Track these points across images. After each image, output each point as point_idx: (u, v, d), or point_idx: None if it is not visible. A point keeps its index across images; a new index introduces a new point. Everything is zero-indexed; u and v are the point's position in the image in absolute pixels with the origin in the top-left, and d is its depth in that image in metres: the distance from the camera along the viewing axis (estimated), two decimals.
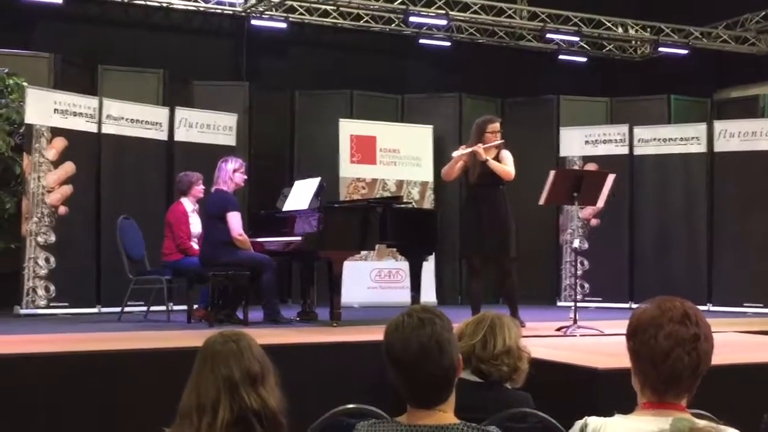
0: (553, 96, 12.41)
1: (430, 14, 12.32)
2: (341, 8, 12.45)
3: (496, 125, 7.72)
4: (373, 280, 11.49)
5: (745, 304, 10.49)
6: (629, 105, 12.49)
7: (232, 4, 12.16)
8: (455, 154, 7.77)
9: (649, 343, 2.29)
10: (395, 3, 12.14)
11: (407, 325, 2.41)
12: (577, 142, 11.74)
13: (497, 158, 7.64)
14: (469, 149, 7.61)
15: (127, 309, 8.60)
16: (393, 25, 12.91)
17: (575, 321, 7.18)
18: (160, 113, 10.43)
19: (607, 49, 14.10)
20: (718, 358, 5.16)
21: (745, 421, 2.37)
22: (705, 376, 2.33)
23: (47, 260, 9.19)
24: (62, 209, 9.38)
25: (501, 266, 7.71)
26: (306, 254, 8.01)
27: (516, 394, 3.51)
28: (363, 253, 9.52)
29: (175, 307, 8.78)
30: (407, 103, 12.50)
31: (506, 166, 7.58)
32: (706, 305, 10.66)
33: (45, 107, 9.35)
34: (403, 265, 10.02)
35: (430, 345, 2.37)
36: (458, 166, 7.75)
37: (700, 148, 11.14)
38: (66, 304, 9.28)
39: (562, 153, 11.79)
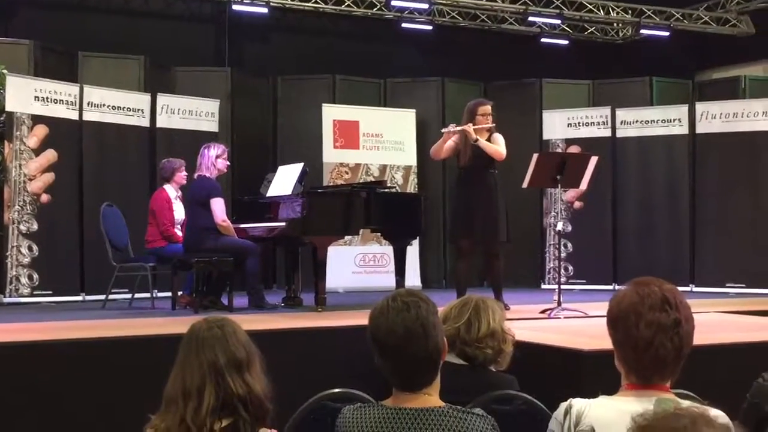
0: (536, 79, 12.42)
1: None
2: None
3: (487, 108, 7.71)
4: (357, 265, 11.50)
5: (727, 285, 10.57)
6: (611, 87, 12.50)
7: None
8: (444, 130, 7.76)
9: (630, 332, 2.30)
10: None
11: (392, 309, 2.41)
12: (559, 125, 11.76)
13: (489, 140, 7.62)
14: (459, 128, 7.60)
15: (111, 297, 8.58)
16: (375, 9, 12.87)
17: (559, 303, 7.20)
18: (142, 100, 10.38)
19: (589, 31, 14.11)
20: (701, 338, 5.19)
21: (728, 401, 2.39)
22: (689, 356, 2.34)
23: (30, 248, 9.16)
24: (44, 197, 9.34)
25: (489, 249, 7.72)
26: (290, 240, 8.00)
27: (501, 377, 3.52)
28: (347, 238, 9.53)
29: (160, 294, 8.77)
30: (390, 87, 12.49)
31: (498, 146, 7.59)
32: (688, 286, 10.73)
33: (25, 95, 9.30)
34: (388, 250, 10.02)
35: (415, 328, 2.38)
36: (447, 146, 7.73)
37: (682, 129, 11.19)
38: (50, 292, 9.26)
39: (545, 136, 11.81)
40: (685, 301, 2.34)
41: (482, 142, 7.53)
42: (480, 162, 7.56)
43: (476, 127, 7.57)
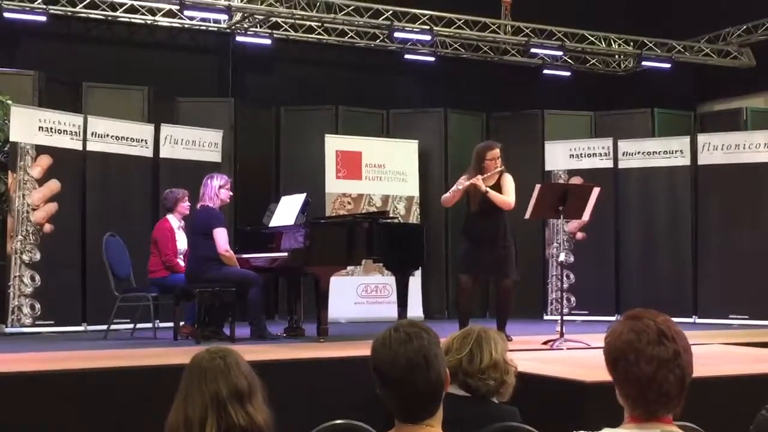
0: (538, 110, 12.45)
1: (415, 30, 12.35)
2: (326, 24, 12.47)
3: (496, 152, 7.66)
4: (359, 296, 11.48)
5: (730, 316, 10.53)
6: (613, 119, 12.54)
7: (216, 21, 12.17)
8: (454, 189, 7.71)
9: (631, 370, 2.28)
10: (380, 19, 12.17)
11: (394, 340, 2.41)
12: (561, 156, 11.78)
13: (499, 183, 7.63)
14: (469, 182, 7.58)
15: (113, 327, 8.56)
16: (378, 40, 12.95)
17: (562, 334, 7.18)
18: (145, 130, 10.42)
19: (591, 63, 14.17)
20: (704, 370, 5.18)
21: None
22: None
23: (32, 278, 9.15)
24: (47, 227, 9.35)
25: (501, 285, 7.71)
26: (292, 270, 8.00)
27: (503, 408, 3.50)
28: (349, 268, 9.52)
29: (162, 325, 8.74)
30: (392, 118, 12.53)
31: (506, 195, 7.58)
32: (691, 317, 10.72)
33: (29, 125, 9.33)
34: (390, 280, 10.01)
35: (418, 360, 2.38)
36: (458, 196, 7.72)
37: (684, 161, 11.21)
38: (52, 322, 9.24)
39: (547, 167, 11.83)
40: (681, 330, 2.34)
41: (492, 194, 7.53)
42: (489, 207, 7.58)
43: (485, 176, 7.56)
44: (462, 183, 7.65)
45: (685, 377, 2.29)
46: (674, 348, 2.28)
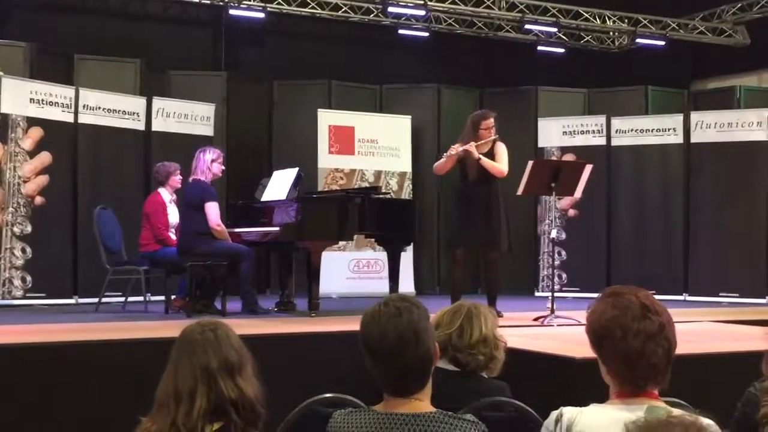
0: (532, 87, 12.43)
1: (409, 5, 12.31)
2: None
3: (490, 121, 7.72)
4: (351, 271, 11.50)
5: (720, 294, 10.57)
6: (607, 96, 12.54)
7: None
8: (447, 154, 7.74)
9: (618, 346, 2.28)
10: None
11: (384, 314, 2.41)
12: (555, 133, 11.78)
13: (492, 151, 7.66)
14: (462, 148, 7.61)
15: (104, 300, 8.56)
16: (372, 15, 12.88)
17: (552, 311, 7.21)
18: (137, 103, 10.38)
19: (585, 40, 14.13)
20: (693, 347, 5.21)
21: (719, 410, 2.39)
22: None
23: (23, 251, 9.14)
24: (38, 199, 9.33)
25: (489, 258, 7.76)
26: (284, 244, 8.00)
27: (492, 383, 3.52)
28: (341, 243, 9.52)
29: (153, 298, 8.75)
30: (385, 93, 12.50)
31: (499, 163, 7.63)
32: (681, 295, 10.76)
33: (21, 97, 9.29)
34: (382, 256, 10.02)
35: (407, 334, 2.38)
36: (451, 162, 7.75)
37: (677, 139, 11.21)
38: (43, 294, 9.24)
39: (540, 143, 11.83)
40: (661, 304, 2.35)
41: (485, 160, 7.57)
42: (482, 176, 7.61)
43: (479, 143, 7.59)
44: (456, 148, 7.67)
45: (671, 349, 2.31)
46: (659, 321, 2.29)
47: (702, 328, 6.90)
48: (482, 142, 7.62)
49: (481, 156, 7.58)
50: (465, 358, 3.49)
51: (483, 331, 3.51)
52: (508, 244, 7.74)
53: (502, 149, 7.71)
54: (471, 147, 7.58)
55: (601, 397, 2.41)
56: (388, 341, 2.38)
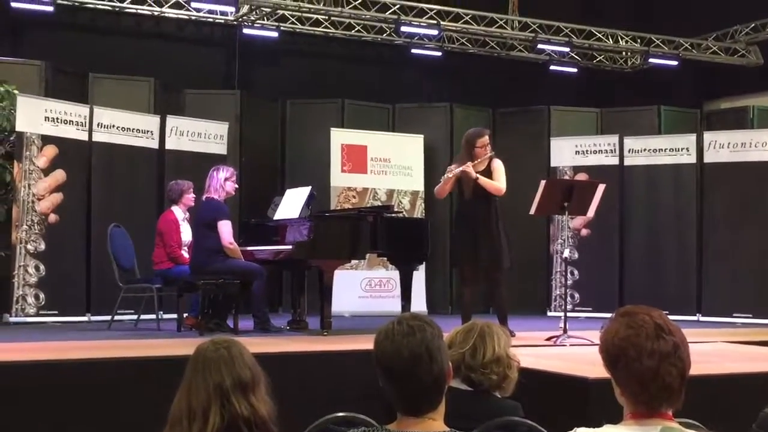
0: (544, 106, 12.44)
1: (422, 24, 12.35)
2: (333, 17, 12.46)
3: (485, 139, 7.71)
4: (363, 289, 11.49)
5: (734, 315, 10.52)
6: (619, 115, 12.53)
7: (223, 13, 12.16)
8: (445, 177, 7.73)
9: (633, 366, 2.27)
10: (387, 13, 12.17)
11: (398, 333, 2.41)
12: (567, 152, 11.77)
13: (489, 169, 7.66)
14: (459, 169, 7.60)
15: (117, 317, 8.59)
16: (385, 34, 12.94)
17: (565, 330, 7.18)
18: (151, 121, 10.42)
19: (598, 59, 14.15)
20: (707, 367, 5.17)
21: (733, 431, 2.38)
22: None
23: (37, 268, 9.17)
24: (52, 217, 9.36)
25: (491, 277, 7.74)
26: (297, 263, 8.01)
27: (505, 403, 3.51)
28: (354, 262, 9.52)
29: (165, 316, 8.77)
30: (398, 112, 12.52)
31: (497, 181, 7.62)
32: (695, 315, 10.72)
33: (36, 115, 9.35)
34: (394, 275, 10.02)
35: (421, 352, 2.37)
36: (450, 184, 7.75)
37: (690, 158, 11.18)
38: (56, 312, 9.26)
39: (553, 163, 11.82)
40: (674, 323, 2.34)
41: (482, 180, 7.57)
42: (479, 193, 7.61)
43: (476, 162, 7.59)
44: (452, 170, 7.67)
45: (686, 369, 2.29)
46: (673, 341, 2.28)
47: (716, 348, 6.87)
48: (479, 161, 7.62)
49: (478, 175, 7.56)
50: (478, 378, 3.48)
51: (496, 350, 3.50)
52: (509, 261, 7.71)
53: (498, 166, 7.70)
54: (468, 168, 7.56)
55: (615, 418, 2.40)
56: (402, 360, 2.37)
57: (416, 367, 2.37)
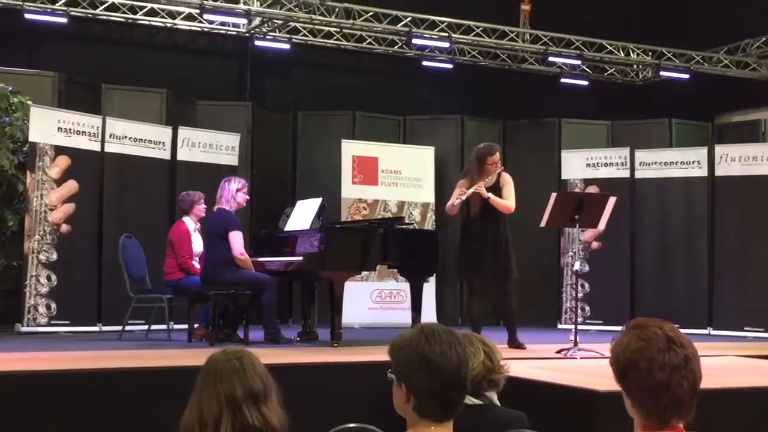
0: (555, 119, 12.45)
1: (433, 37, 12.38)
2: (344, 30, 12.50)
3: (496, 156, 7.67)
4: (374, 301, 11.49)
5: (745, 329, 10.47)
6: (630, 128, 12.52)
7: (235, 25, 12.22)
8: (456, 201, 7.66)
9: (644, 379, 2.26)
10: (398, 25, 12.21)
11: (444, 335, 2.39)
12: (578, 165, 11.75)
13: (498, 184, 7.63)
14: (471, 191, 7.56)
15: (128, 327, 8.60)
16: (396, 47, 12.98)
17: (576, 343, 7.16)
18: (163, 132, 10.46)
19: (609, 72, 14.16)
20: (719, 381, 5.16)
21: None
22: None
23: (49, 278, 9.20)
24: (64, 227, 9.40)
25: (502, 287, 7.72)
26: (307, 274, 8.02)
27: (510, 414, 3.51)
28: (364, 273, 9.53)
29: (176, 326, 8.78)
30: (409, 124, 12.55)
31: (507, 200, 7.60)
32: (706, 329, 10.67)
33: (49, 125, 9.39)
34: (404, 286, 10.02)
35: (466, 357, 2.39)
36: (459, 202, 7.71)
37: (701, 172, 11.16)
38: (67, 322, 9.28)
39: (564, 176, 11.80)
40: (685, 335, 2.33)
41: (494, 199, 7.54)
42: (490, 212, 7.59)
43: (486, 180, 7.57)
44: (463, 190, 7.62)
45: (697, 382, 2.29)
46: (684, 353, 2.27)
47: (727, 362, 6.84)
48: (489, 178, 7.59)
49: (490, 195, 7.53)
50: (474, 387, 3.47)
51: (475, 357, 3.49)
52: (517, 272, 7.69)
53: (508, 181, 7.68)
54: (480, 189, 7.52)
55: (626, 431, 2.40)
56: (452, 361, 2.35)
57: (461, 370, 2.37)
